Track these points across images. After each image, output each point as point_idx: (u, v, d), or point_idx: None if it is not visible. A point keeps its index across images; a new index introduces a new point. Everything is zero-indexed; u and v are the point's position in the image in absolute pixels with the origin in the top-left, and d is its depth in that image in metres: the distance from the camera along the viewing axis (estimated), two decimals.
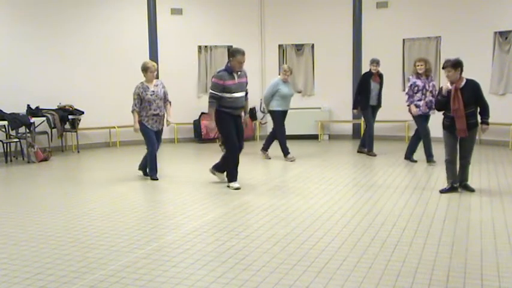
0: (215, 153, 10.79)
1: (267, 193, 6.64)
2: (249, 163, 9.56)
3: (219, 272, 3.87)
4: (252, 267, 3.97)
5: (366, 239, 4.61)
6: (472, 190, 6.48)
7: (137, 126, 7.61)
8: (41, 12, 11.22)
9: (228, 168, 7.14)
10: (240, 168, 8.95)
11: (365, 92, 9.60)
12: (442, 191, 6.45)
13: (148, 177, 7.80)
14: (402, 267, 3.92)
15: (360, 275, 3.77)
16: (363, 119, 10.47)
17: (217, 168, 7.42)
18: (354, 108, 10.10)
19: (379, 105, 9.84)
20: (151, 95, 7.59)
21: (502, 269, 3.84)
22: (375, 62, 9.59)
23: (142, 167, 7.99)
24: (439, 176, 7.57)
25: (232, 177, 7.08)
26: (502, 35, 11.05)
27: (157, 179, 7.67)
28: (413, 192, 6.52)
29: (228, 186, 7.02)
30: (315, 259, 4.12)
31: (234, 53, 6.75)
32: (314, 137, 12.56)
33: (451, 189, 6.47)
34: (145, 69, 7.64)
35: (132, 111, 7.62)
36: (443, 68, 6.26)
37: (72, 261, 4.18)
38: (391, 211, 5.61)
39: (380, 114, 12.38)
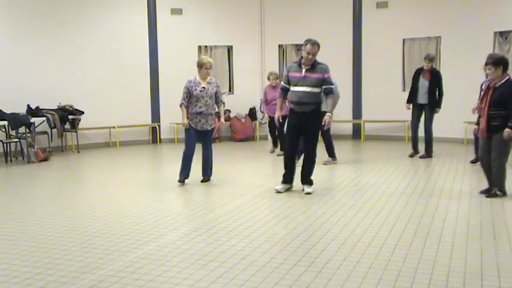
0: (215, 153, 10.79)
1: (266, 193, 6.63)
2: (248, 163, 9.56)
3: (219, 272, 3.87)
4: (252, 267, 3.97)
5: (366, 239, 4.61)
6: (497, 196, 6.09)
7: (186, 121, 7.14)
8: (40, 13, 11.21)
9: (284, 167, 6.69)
10: (238, 168, 8.96)
11: (412, 88, 9.27)
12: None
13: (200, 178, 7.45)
14: (402, 267, 3.91)
15: (360, 275, 3.77)
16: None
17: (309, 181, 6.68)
18: (407, 102, 9.48)
19: (433, 105, 9.18)
20: (200, 91, 7.14)
21: (502, 269, 3.84)
22: (428, 59, 9.10)
23: (204, 172, 7.54)
24: (440, 177, 7.58)
25: (283, 178, 6.68)
26: (502, 35, 11.04)
27: (183, 183, 7.20)
28: (413, 193, 6.51)
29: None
30: (315, 259, 4.12)
31: (304, 43, 6.40)
32: None
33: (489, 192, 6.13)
34: (200, 65, 7.19)
35: (180, 105, 7.16)
36: (485, 64, 5.97)
37: (72, 261, 4.17)
38: (391, 211, 5.61)
39: (380, 114, 12.41)
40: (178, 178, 7.24)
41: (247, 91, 13.06)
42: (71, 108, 11.18)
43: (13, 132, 10.14)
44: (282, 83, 6.68)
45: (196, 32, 12.85)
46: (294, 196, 6.41)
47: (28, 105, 10.47)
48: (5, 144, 9.91)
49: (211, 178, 7.53)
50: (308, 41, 6.40)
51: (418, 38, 12.08)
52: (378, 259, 4.09)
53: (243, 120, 12.88)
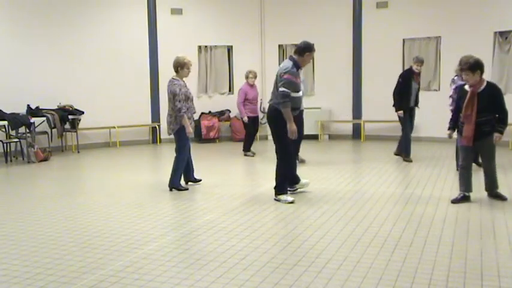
0: (215, 153, 10.80)
1: (266, 193, 6.63)
2: (248, 163, 9.56)
3: (219, 272, 3.87)
4: (252, 267, 3.97)
5: (366, 239, 4.61)
6: (503, 198, 5.96)
7: (191, 129, 6.77)
8: (41, 13, 11.22)
9: (282, 177, 6.21)
10: (238, 168, 8.96)
11: (406, 92, 8.90)
12: (454, 201, 5.89)
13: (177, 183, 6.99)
14: (402, 267, 3.91)
15: (360, 275, 3.77)
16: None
17: (280, 190, 6.22)
18: (398, 110, 9.03)
19: (416, 105, 9.25)
20: (190, 93, 6.94)
21: (502, 269, 3.84)
22: (420, 62, 8.81)
23: (187, 178, 7.28)
24: (440, 177, 7.58)
25: (284, 188, 6.24)
26: (502, 35, 11.05)
27: (188, 189, 6.98)
28: (413, 193, 6.51)
29: (278, 200, 6.15)
30: (315, 259, 4.12)
31: (310, 48, 6.06)
32: (314, 137, 12.55)
33: (463, 198, 5.92)
34: (181, 65, 6.78)
35: (183, 114, 6.69)
36: (460, 70, 5.76)
37: (72, 261, 4.17)
38: (391, 211, 5.61)
39: (380, 114, 12.42)
40: (179, 187, 6.90)
41: None
42: (71, 108, 11.19)
43: (13, 132, 10.15)
44: (289, 90, 5.91)
45: (196, 32, 12.86)
46: (293, 196, 6.40)
47: (28, 105, 10.48)
48: (5, 144, 9.92)
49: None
50: (313, 46, 6.13)
51: (418, 38, 12.08)
52: (378, 259, 4.09)
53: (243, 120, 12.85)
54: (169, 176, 7.01)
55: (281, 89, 5.90)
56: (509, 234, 4.71)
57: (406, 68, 12.10)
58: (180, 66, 6.84)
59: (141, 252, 4.37)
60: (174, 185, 6.96)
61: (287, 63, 6.07)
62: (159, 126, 12.69)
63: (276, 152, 6.20)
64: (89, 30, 11.82)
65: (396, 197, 6.30)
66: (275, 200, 6.20)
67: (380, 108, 12.31)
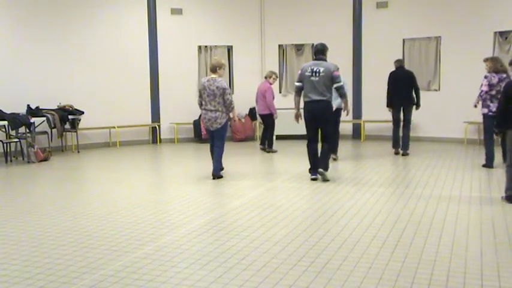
0: None
1: (267, 193, 6.63)
2: (248, 163, 9.56)
3: (219, 272, 3.87)
4: (252, 267, 3.97)
5: (365, 239, 4.61)
6: None
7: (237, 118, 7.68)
8: (41, 13, 11.22)
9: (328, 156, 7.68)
10: (238, 168, 8.97)
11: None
12: None
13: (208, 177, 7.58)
14: (402, 267, 3.91)
15: (360, 275, 3.77)
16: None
17: (327, 166, 7.58)
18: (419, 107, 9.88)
19: None
20: None
21: (502, 269, 3.84)
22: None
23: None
24: (440, 177, 7.58)
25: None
26: (502, 35, 11.04)
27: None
28: (413, 193, 6.51)
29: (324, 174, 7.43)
30: (315, 259, 4.12)
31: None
32: None
33: None
34: (220, 65, 7.55)
35: (234, 105, 7.60)
36: None
37: (72, 261, 4.17)
38: (391, 211, 5.61)
39: (380, 114, 12.43)
40: (219, 173, 7.69)
41: (247, 91, 13.06)
42: (71, 108, 11.19)
43: (13, 132, 10.15)
44: None
45: (196, 32, 12.86)
46: (293, 196, 6.41)
47: (28, 105, 10.48)
48: (5, 144, 9.91)
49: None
50: None
51: (418, 38, 12.08)
52: (378, 259, 4.09)
53: (243, 120, 12.87)
54: (169, 176, 7.00)
55: (341, 84, 7.22)
56: (509, 234, 4.71)
57: (406, 68, 12.12)
58: (219, 67, 7.54)
59: (141, 252, 4.37)
60: (218, 173, 7.64)
61: (330, 63, 7.26)
62: (159, 126, 12.69)
63: (326, 139, 7.51)
64: (89, 30, 11.83)
65: (396, 196, 6.30)
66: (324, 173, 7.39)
67: (380, 108, 12.31)
